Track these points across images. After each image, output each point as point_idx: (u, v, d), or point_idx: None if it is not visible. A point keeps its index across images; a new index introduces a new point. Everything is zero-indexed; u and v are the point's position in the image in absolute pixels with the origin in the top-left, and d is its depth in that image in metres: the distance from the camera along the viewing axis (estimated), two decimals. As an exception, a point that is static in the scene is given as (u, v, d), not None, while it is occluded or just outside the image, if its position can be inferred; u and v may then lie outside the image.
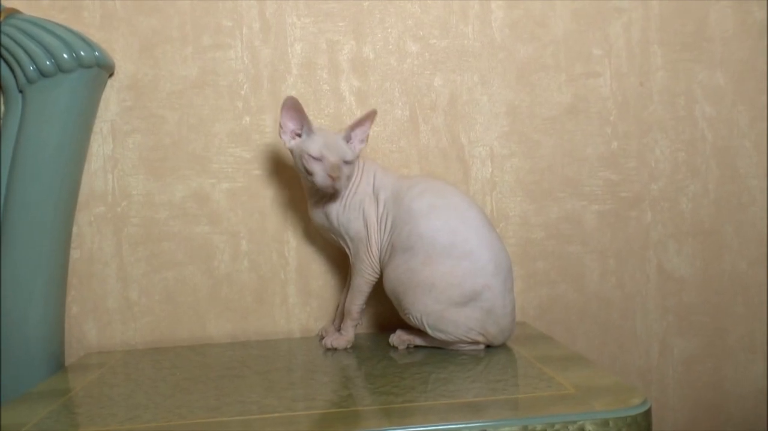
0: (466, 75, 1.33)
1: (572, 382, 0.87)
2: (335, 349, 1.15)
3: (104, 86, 1.27)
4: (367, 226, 1.12)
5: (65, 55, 1.16)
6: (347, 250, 1.16)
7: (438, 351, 1.09)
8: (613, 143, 1.35)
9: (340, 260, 1.30)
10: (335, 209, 1.14)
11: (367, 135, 1.15)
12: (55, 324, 1.22)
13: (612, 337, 1.36)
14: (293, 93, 1.30)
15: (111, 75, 1.27)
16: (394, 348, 1.13)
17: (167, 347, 1.27)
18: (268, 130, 1.30)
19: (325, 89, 1.31)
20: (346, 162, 1.10)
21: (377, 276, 1.14)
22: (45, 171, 1.19)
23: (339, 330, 1.20)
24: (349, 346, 1.16)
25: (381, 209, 1.12)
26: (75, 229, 1.28)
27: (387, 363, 1.05)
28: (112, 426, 0.81)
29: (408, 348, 1.12)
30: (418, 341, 1.11)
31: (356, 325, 1.17)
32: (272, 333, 1.32)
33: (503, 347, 1.09)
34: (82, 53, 1.17)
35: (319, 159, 1.09)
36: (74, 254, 1.28)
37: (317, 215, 1.17)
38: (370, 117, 1.13)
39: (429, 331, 1.06)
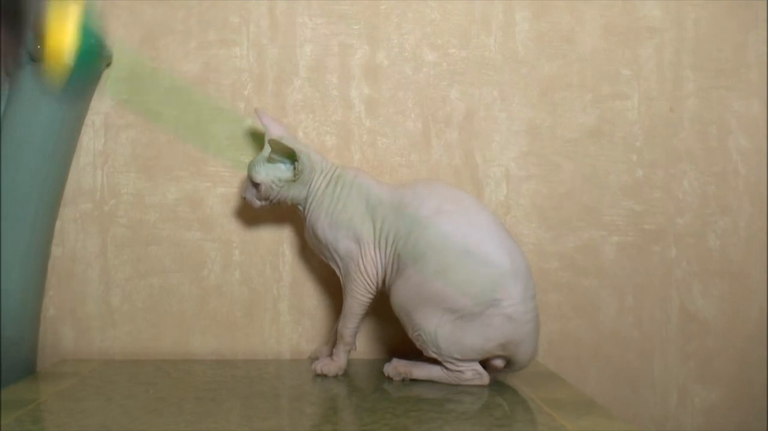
0: (484, 89, 1.25)
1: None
2: (325, 375, 1.06)
3: (100, 76, 1.20)
4: (359, 243, 1.04)
5: (58, 41, 1.09)
6: (337, 270, 1.08)
7: (437, 385, 0.99)
8: (638, 171, 1.27)
9: (337, 279, 1.21)
10: (321, 226, 1.06)
11: (285, 178, 1.08)
12: (29, 325, 1.15)
13: (626, 379, 1.26)
14: (299, 97, 1.23)
15: (108, 65, 1.20)
16: (390, 378, 1.04)
17: (147, 360, 1.19)
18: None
19: (333, 95, 1.23)
20: (254, 184, 1.08)
21: (371, 297, 1.05)
22: (29, 161, 1.12)
23: (332, 354, 1.11)
24: (340, 373, 1.07)
25: (379, 226, 1.03)
26: (58, 225, 1.20)
27: (380, 395, 0.96)
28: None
29: (403, 380, 1.02)
30: (415, 373, 1.01)
31: (349, 350, 1.08)
32: (260, 353, 1.23)
33: (507, 386, 1.00)
34: (76, 40, 1.10)
35: None
36: (56, 251, 1.21)
37: (307, 233, 1.11)
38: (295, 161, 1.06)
39: (442, 347, 0.96)
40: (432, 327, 0.97)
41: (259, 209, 1.14)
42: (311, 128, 1.23)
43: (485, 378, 0.99)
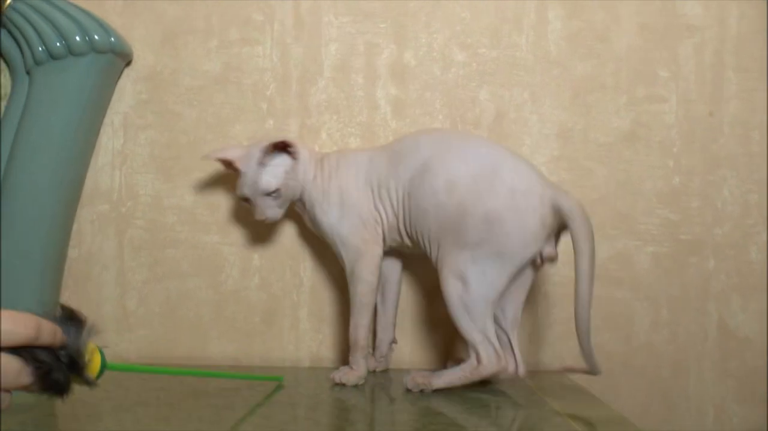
0: (515, 90, 1.20)
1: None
2: (344, 385, 1.01)
3: (119, 75, 1.17)
4: (359, 206, 1.02)
5: (77, 38, 1.07)
6: (341, 260, 1.04)
7: (459, 397, 0.94)
8: (674, 177, 1.20)
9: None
10: (320, 208, 1.04)
11: (289, 167, 1.04)
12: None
13: (660, 396, 1.20)
14: (323, 97, 1.19)
15: (128, 64, 1.18)
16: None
17: (163, 365, 1.15)
18: (293, 135, 1.18)
19: (359, 95, 1.20)
20: (270, 194, 1.03)
21: (378, 272, 1.02)
22: (47, 160, 1.10)
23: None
24: (360, 383, 1.02)
25: (376, 178, 1.02)
26: (75, 226, 1.18)
27: (399, 407, 0.91)
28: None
29: (422, 392, 0.97)
30: (434, 382, 0.95)
31: (366, 355, 1.03)
32: (278, 360, 1.19)
33: (534, 400, 0.95)
34: (96, 37, 1.08)
35: (245, 200, 1.05)
36: (72, 253, 1.18)
37: (308, 224, 1.10)
38: (289, 146, 1.04)
39: (485, 262, 0.92)
40: (475, 238, 0.92)
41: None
42: (335, 129, 1.20)
43: (502, 361, 0.93)
